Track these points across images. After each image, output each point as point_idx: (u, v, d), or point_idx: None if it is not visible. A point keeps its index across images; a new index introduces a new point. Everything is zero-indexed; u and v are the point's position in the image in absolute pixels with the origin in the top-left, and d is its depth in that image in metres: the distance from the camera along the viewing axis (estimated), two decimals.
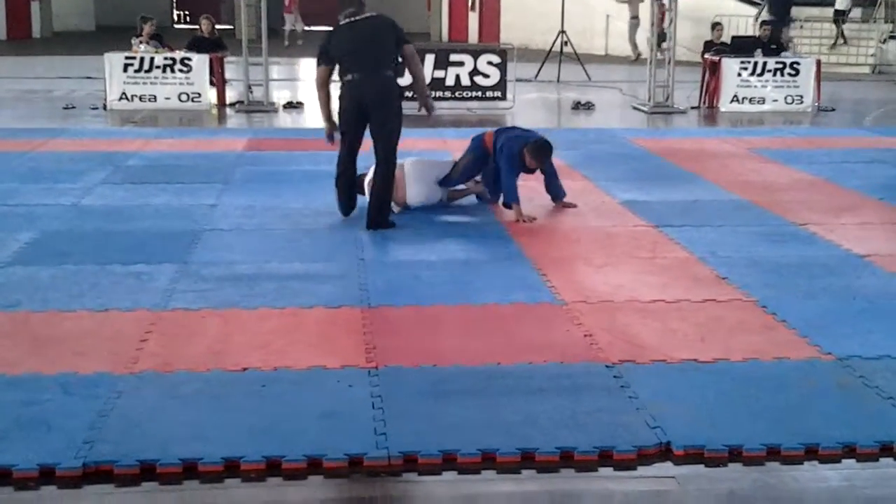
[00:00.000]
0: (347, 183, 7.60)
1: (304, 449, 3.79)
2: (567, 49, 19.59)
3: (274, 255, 6.52)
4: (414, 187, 7.74)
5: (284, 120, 13.74)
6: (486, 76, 14.60)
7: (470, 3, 31.79)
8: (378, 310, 5.45)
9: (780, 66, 14.92)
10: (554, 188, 8.03)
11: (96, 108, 14.01)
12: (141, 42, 14.37)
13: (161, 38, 14.83)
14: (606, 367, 4.65)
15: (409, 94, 8.11)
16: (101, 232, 7.12)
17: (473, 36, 31.32)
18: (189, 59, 14.19)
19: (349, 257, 6.52)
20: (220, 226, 7.31)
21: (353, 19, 7.35)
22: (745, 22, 22.42)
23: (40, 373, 4.50)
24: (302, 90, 17.09)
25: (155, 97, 14.09)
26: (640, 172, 9.64)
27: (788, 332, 5.15)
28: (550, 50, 19.57)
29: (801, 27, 21.42)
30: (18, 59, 22.54)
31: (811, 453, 3.87)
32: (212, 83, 14.42)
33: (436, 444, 3.83)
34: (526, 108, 14.79)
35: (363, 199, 7.64)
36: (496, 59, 14.73)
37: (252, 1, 15.00)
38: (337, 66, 7.48)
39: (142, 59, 14.06)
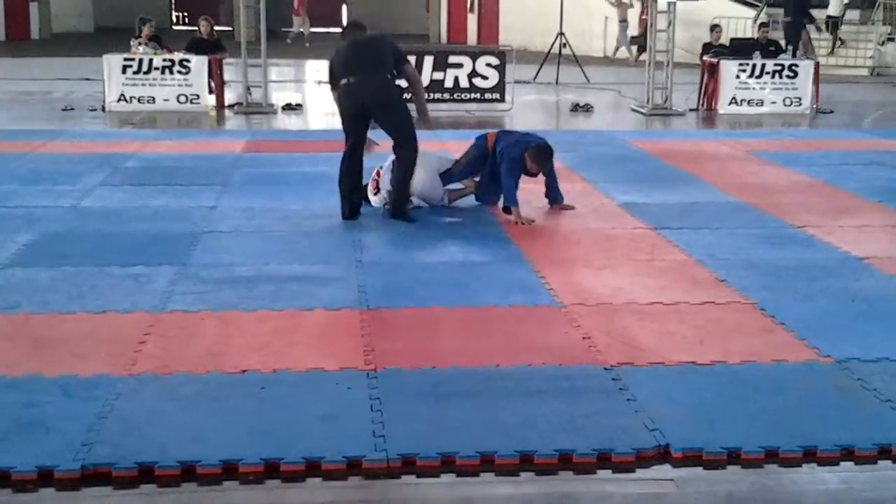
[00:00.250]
0: (350, 185, 7.62)
1: (302, 451, 3.78)
2: (566, 51, 19.61)
3: (273, 257, 6.52)
4: (417, 177, 7.71)
5: (283, 122, 13.74)
6: (485, 78, 14.61)
7: (469, 5, 31.80)
8: (377, 312, 5.45)
9: (779, 68, 14.93)
10: (552, 192, 8.03)
11: (95, 110, 14.01)
12: (140, 43, 14.37)
13: (160, 40, 14.83)
14: (605, 369, 4.66)
15: (407, 95, 8.12)
16: (99, 234, 7.12)
17: (472, 38, 31.33)
18: (188, 60, 14.19)
19: (348, 259, 6.52)
20: (218, 228, 7.31)
21: (354, 38, 7.65)
22: (744, 24, 22.46)
23: (39, 375, 4.50)
24: (302, 92, 17.11)
25: (154, 99, 14.09)
26: (638, 174, 9.64)
27: (787, 335, 5.16)
28: (549, 52, 19.58)
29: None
30: (17, 60, 22.53)
31: (809, 456, 3.87)
32: (210, 86, 14.42)
33: (434, 447, 3.83)
34: (524, 110, 14.80)
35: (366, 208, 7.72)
36: (495, 60, 14.74)
37: (251, 2, 14.98)
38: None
39: (140, 61, 14.05)
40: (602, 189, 8.86)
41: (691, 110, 15.05)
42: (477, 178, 8.11)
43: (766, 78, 14.90)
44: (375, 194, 7.86)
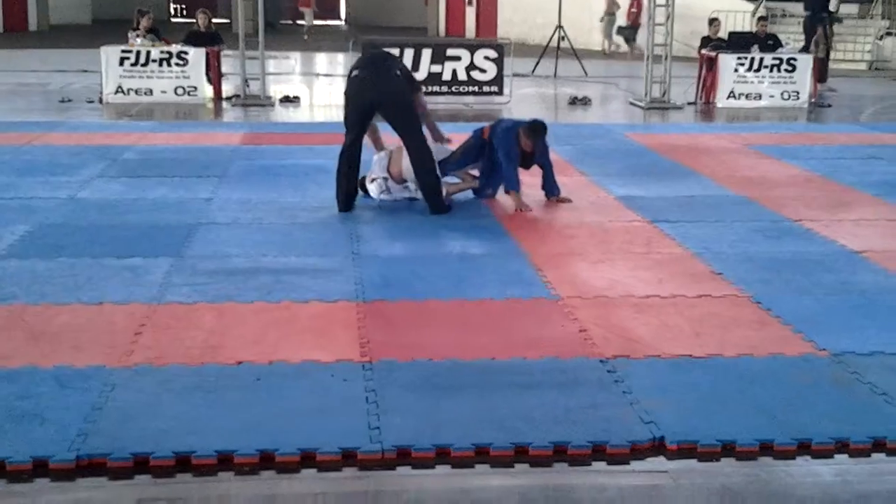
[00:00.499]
0: (348, 178, 7.63)
1: (297, 442, 3.79)
2: (564, 44, 19.60)
3: (269, 249, 6.52)
4: (405, 163, 7.70)
5: (281, 114, 13.73)
6: (483, 71, 14.60)
7: None
8: (373, 304, 5.45)
9: (777, 62, 14.92)
10: (549, 185, 8.05)
11: (92, 102, 14.00)
12: (137, 35, 14.35)
13: (158, 32, 14.82)
14: (601, 361, 4.66)
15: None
16: (96, 225, 7.11)
17: (471, 31, 31.31)
18: (185, 52, 14.18)
19: (344, 251, 6.52)
20: (215, 219, 7.31)
21: (370, 49, 7.90)
22: (743, 17, 22.45)
23: (35, 365, 4.49)
24: (306, 84, 17.11)
25: (151, 91, 14.08)
26: (635, 168, 9.65)
27: (783, 328, 5.16)
28: (547, 45, 19.57)
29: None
30: (14, 51, 22.50)
31: (804, 448, 3.87)
32: (208, 78, 14.40)
33: (429, 438, 3.84)
34: (522, 103, 14.78)
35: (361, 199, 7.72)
36: (493, 53, 14.73)
37: None
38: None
39: (138, 53, 14.04)
40: (599, 182, 8.86)
41: (689, 104, 15.04)
42: (475, 171, 8.11)
43: (764, 72, 14.90)
44: (372, 181, 7.86)
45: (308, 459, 3.72)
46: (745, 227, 7.29)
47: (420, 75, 13.49)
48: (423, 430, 3.91)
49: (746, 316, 5.36)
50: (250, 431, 3.88)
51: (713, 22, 16.38)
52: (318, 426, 3.94)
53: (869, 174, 9.43)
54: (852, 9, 23.70)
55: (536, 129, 7.83)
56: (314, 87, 17.39)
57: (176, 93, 14.11)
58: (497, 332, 5.06)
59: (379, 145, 8.02)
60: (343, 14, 42.46)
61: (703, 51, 15.55)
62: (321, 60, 22.85)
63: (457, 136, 8.35)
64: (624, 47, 25.39)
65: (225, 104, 14.25)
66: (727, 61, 14.87)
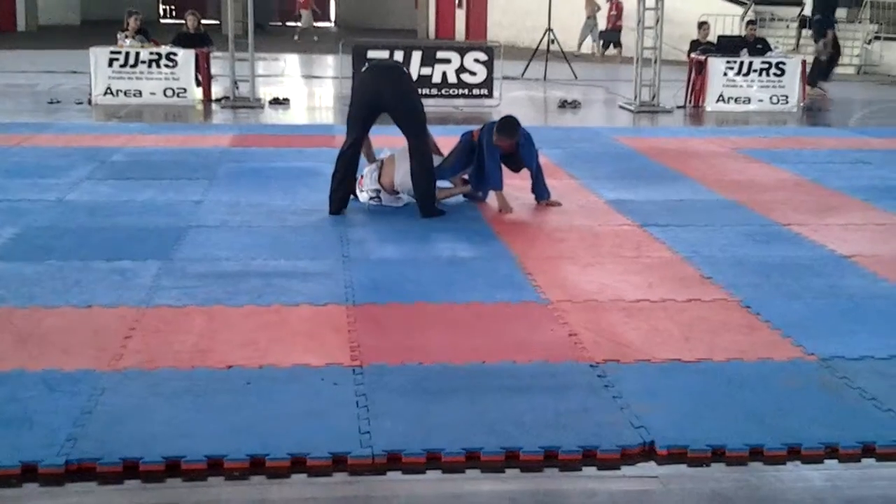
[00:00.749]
0: (344, 180, 7.62)
1: (287, 447, 3.78)
2: (554, 47, 19.63)
3: (259, 253, 6.50)
4: (403, 170, 7.69)
5: (270, 116, 13.71)
6: (473, 74, 14.61)
7: (457, 1, 31.80)
8: (363, 307, 5.45)
9: (766, 66, 14.97)
10: (538, 188, 8.07)
11: (81, 103, 13.97)
12: (126, 37, 14.32)
13: (147, 33, 14.79)
14: (591, 366, 4.66)
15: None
16: (85, 228, 7.09)
17: (460, 33, 31.34)
18: (175, 54, 14.15)
19: (334, 255, 6.51)
20: (205, 222, 7.29)
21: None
22: (732, 21, 22.51)
23: (23, 369, 4.47)
24: (288, 86, 17.09)
25: (140, 92, 14.06)
26: (625, 171, 9.66)
27: (772, 333, 5.17)
28: (537, 48, 19.60)
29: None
30: (2, 52, 22.40)
31: (794, 453, 3.88)
32: (197, 79, 14.38)
33: (420, 443, 3.83)
34: (512, 106, 14.77)
35: (351, 202, 7.73)
36: (483, 56, 14.74)
37: None
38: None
39: (127, 54, 14.01)
40: (589, 186, 8.87)
41: (679, 107, 15.08)
42: (465, 176, 8.12)
43: (753, 76, 14.94)
44: (362, 191, 7.85)
45: (298, 464, 3.71)
46: (735, 231, 7.31)
47: None
48: (414, 435, 3.90)
49: (736, 320, 5.37)
50: (240, 436, 3.87)
51: (702, 25, 16.42)
52: (309, 431, 3.93)
53: (857, 178, 9.46)
54: (841, 13, 23.75)
55: (504, 124, 7.86)
56: (304, 90, 17.37)
57: (165, 94, 14.09)
58: (487, 335, 5.06)
59: (370, 158, 8.00)
60: (333, 16, 42.49)
61: (693, 54, 15.59)
62: (311, 62, 22.83)
63: (446, 140, 8.34)
64: (597, 51, 25.54)
65: (214, 106, 14.23)
66: (716, 65, 14.91)
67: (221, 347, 4.80)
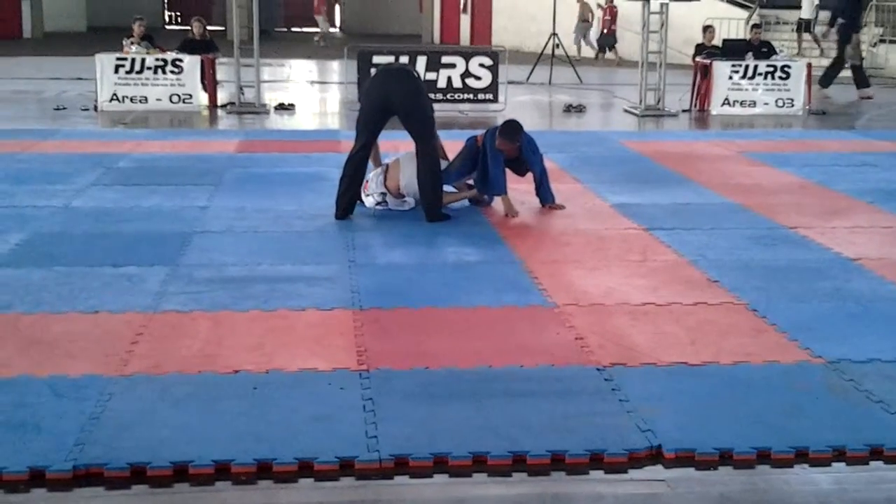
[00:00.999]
0: (352, 184, 7.62)
1: (295, 451, 3.78)
2: (559, 52, 19.63)
3: (265, 258, 6.51)
4: (409, 172, 7.69)
5: (276, 122, 13.73)
6: (478, 78, 14.62)
7: (462, 6, 31.83)
8: (369, 312, 5.45)
9: (771, 69, 14.96)
10: (543, 192, 8.07)
11: (87, 110, 14.00)
12: (132, 43, 14.35)
13: (152, 39, 14.81)
14: (597, 369, 4.66)
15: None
16: (91, 234, 7.11)
17: (465, 38, 31.37)
18: (180, 60, 14.17)
19: (340, 259, 6.51)
20: (211, 228, 7.30)
21: None
22: (737, 25, 22.50)
23: (31, 375, 4.48)
24: (294, 92, 17.11)
25: (146, 98, 14.08)
26: (631, 175, 9.66)
27: (778, 336, 5.17)
28: (542, 52, 19.60)
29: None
30: (9, 59, 22.47)
31: (801, 456, 3.87)
32: (203, 85, 14.41)
33: (427, 447, 3.83)
34: (517, 111, 14.77)
35: (357, 206, 7.73)
36: (488, 61, 14.75)
37: (244, 2, 14.97)
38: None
39: (133, 61, 14.03)
40: (595, 189, 8.87)
41: (684, 111, 15.07)
42: (469, 181, 8.12)
43: (758, 79, 14.93)
44: (367, 195, 7.86)
45: (306, 469, 3.71)
46: (741, 234, 7.30)
47: None
48: (421, 439, 3.90)
49: (742, 323, 5.37)
50: (247, 441, 3.87)
51: (707, 29, 16.41)
52: (316, 435, 3.93)
53: (863, 181, 9.45)
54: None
55: (506, 128, 7.87)
56: (309, 95, 17.39)
57: (171, 100, 14.11)
58: (493, 339, 5.06)
59: (376, 161, 8.00)
60: (338, 22, 42.53)
61: (698, 58, 15.59)
62: (316, 68, 22.85)
63: (451, 144, 8.34)
64: (591, 54, 25.58)
65: (220, 112, 14.25)
66: (721, 69, 14.90)
67: (228, 352, 4.81)
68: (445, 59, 14.72)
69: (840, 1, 17.82)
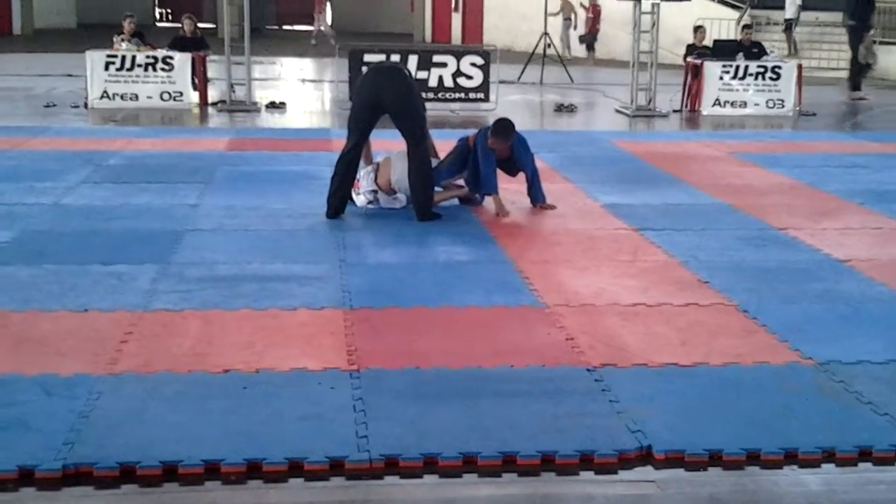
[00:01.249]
0: (344, 183, 7.61)
1: (284, 451, 3.78)
2: (550, 51, 19.63)
3: (256, 256, 6.50)
4: (400, 168, 7.67)
5: (267, 120, 13.71)
6: (470, 77, 14.61)
7: (453, 5, 31.81)
8: (360, 311, 5.44)
9: (762, 70, 14.98)
10: (535, 191, 8.07)
11: (77, 107, 13.95)
12: (123, 40, 14.30)
13: (143, 36, 14.78)
14: (588, 370, 4.66)
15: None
16: (81, 231, 7.09)
17: (457, 37, 31.34)
18: (171, 57, 14.14)
19: (331, 259, 6.50)
20: (201, 226, 7.29)
21: None
22: (728, 25, 22.53)
23: (19, 373, 4.47)
24: (284, 90, 17.09)
25: (137, 96, 14.04)
26: (621, 175, 9.67)
27: (769, 337, 5.17)
28: (533, 52, 19.60)
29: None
30: None
31: (791, 458, 3.88)
32: (194, 83, 14.37)
33: (417, 447, 3.83)
34: (509, 110, 14.75)
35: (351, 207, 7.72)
36: (479, 60, 14.74)
37: (235, 0, 14.93)
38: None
39: (123, 58, 14.00)
40: (585, 189, 8.87)
41: (675, 111, 15.09)
42: (459, 181, 8.12)
43: (749, 80, 14.95)
44: (358, 194, 7.85)
45: (296, 469, 3.71)
46: (731, 235, 7.31)
47: None
48: (411, 439, 3.90)
49: (733, 324, 5.38)
50: (237, 440, 3.87)
51: (698, 30, 16.44)
52: (306, 435, 3.93)
53: (854, 182, 9.47)
54: (836, 17, 23.78)
55: (498, 127, 7.88)
56: (300, 93, 17.35)
57: (161, 98, 14.08)
58: (484, 339, 5.06)
59: (368, 160, 7.98)
60: (330, 20, 42.44)
61: (689, 59, 15.61)
62: (308, 66, 22.82)
63: (442, 144, 8.34)
64: (579, 53, 25.61)
65: (211, 110, 14.22)
66: (712, 69, 14.92)
67: (218, 351, 4.80)
68: (437, 58, 14.71)
69: (850, 2, 17.85)
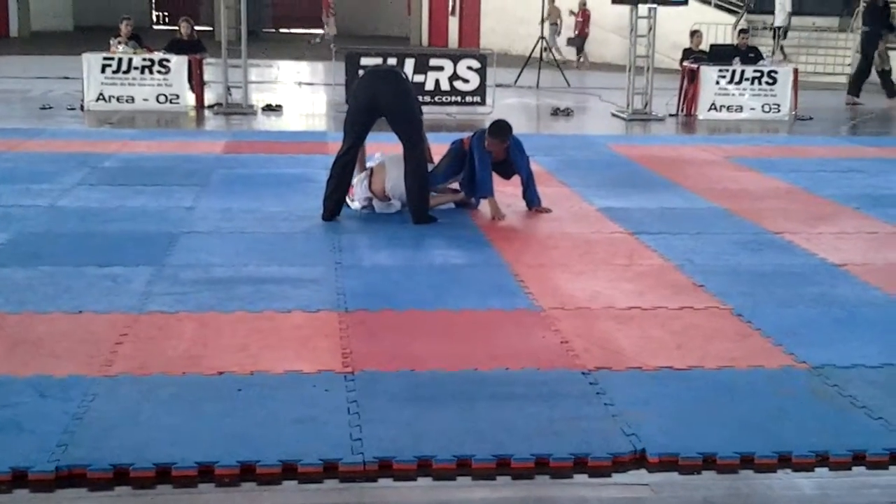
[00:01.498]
0: (339, 185, 7.60)
1: (278, 454, 3.77)
2: (547, 55, 19.65)
3: (251, 259, 6.50)
4: (394, 175, 7.68)
5: (263, 122, 13.71)
6: (466, 81, 14.62)
7: (450, 8, 31.83)
8: (355, 314, 5.44)
9: (758, 74, 15.01)
10: (530, 195, 8.08)
11: (74, 109, 13.94)
12: (119, 42, 14.30)
13: (140, 39, 14.77)
14: (582, 373, 4.66)
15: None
16: (77, 234, 7.08)
17: (454, 41, 31.36)
18: (167, 60, 14.14)
19: (327, 261, 6.50)
20: (197, 228, 7.29)
21: None
22: (724, 30, 22.57)
23: (14, 375, 4.46)
24: (281, 93, 17.09)
25: (133, 98, 14.03)
26: (618, 179, 9.67)
27: (763, 340, 5.18)
28: (530, 56, 19.62)
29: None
30: None
31: (784, 461, 3.89)
32: (190, 86, 14.37)
33: (411, 450, 3.83)
34: (505, 114, 14.65)
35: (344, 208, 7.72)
36: (476, 64, 14.76)
37: (232, 3, 14.93)
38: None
39: (120, 60, 13.99)
40: (581, 193, 8.88)
41: (671, 115, 15.11)
42: (454, 185, 8.13)
43: (745, 84, 14.98)
44: (353, 200, 7.85)
45: (289, 471, 3.71)
46: (727, 239, 7.32)
47: None
48: (405, 442, 3.90)
49: (727, 328, 5.38)
50: (231, 442, 3.86)
51: (695, 34, 16.46)
52: (300, 437, 3.93)
53: (849, 187, 9.49)
54: (832, 22, 23.86)
55: (496, 128, 7.90)
56: (297, 96, 17.36)
57: (158, 101, 14.07)
58: (479, 342, 5.06)
59: (362, 166, 7.97)
60: (325, 24, 42.45)
61: (685, 63, 15.63)
62: (304, 69, 22.83)
63: (438, 147, 8.34)
64: (567, 56, 25.59)
65: (207, 112, 14.22)
66: (709, 74, 14.95)
67: (213, 354, 4.80)
68: (433, 62, 14.72)
69: (864, 9, 17.87)
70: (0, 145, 10.61)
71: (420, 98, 13.88)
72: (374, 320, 5.38)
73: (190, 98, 14.38)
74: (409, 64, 14.33)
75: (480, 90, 14.67)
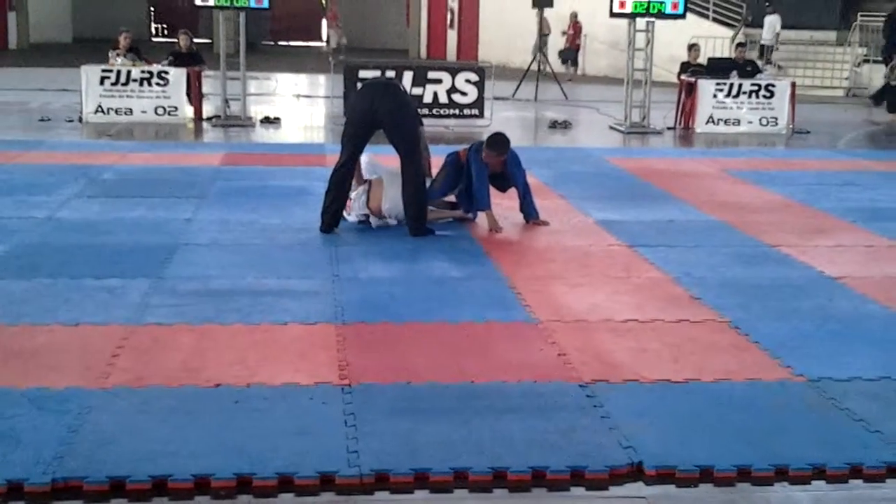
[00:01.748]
0: (337, 197, 7.60)
1: (275, 466, 3.77)
2: (544, 68, 19.69)
3: (249, 271, 6.50)
4: (390, 196, 7.69)
5: (261, 135, 13.72)
6: (464, 94, 14.66)
7: (449, 21, 31.91)
8: (353, 326, 5.44)
9: (756, 88, 15.05)
10: (527, 207, 8.08)
11: (72, 121, 13.96)
12: (118, 55, 14.32)
13: (138, 51, 14.79)
14: (580, 386, 4.66)
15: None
16: (74, 245, 7.08)
17: (452, 54, 31.43)
18: (166, 72, 14.16)
19: (324, 274, 6.51)
20: (195, 240, 7.29)
21: None
22: (722, 43, 22.63)
23: (10, 387, 4.46)
24: (279, 105, 17.10)
25: (131, 110, 14.05)
26: (615, 192, 9.69)
27: (760, 354, 5.18)
28: (528, 69, 19.66)
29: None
30: None
31: (781, 474, 3.88)
32: (189, 98, 14.39)
33: (408, 463, 3.83)
34: (503, 127, 14.68)
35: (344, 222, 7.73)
36: (474, 77, 14.80)
37: (231, 15, 14.96)
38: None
39: (118, 73, 14.02)
40: (579, 206, 8.89)
41: (669, 129, 15.13)
42: (450, 199, 8.14)
43: (743, 98, 15.02)
44: (350, 214, 7.85)
45: (286, 484, 3.70)
46: (724, 252, 7.33)
47: None
48: (402, 455, 3.90)
49: (725, 341, 5.38)
50: (228, 455, 3.86)
51: (692, 48, 16.50)
52: (297, 450, 3.92)
53: (846, 200, 9.50)
54: (830, 35, 23.92)
55: (494, 140, 7.91)
56: (295, 109, 17.38)
57: (156, 113, 14.10)
58: (476, 355, 5.06)
59: (359, 180, 7.95)
60: (325, 36, 42.56)
61: (683, 76, 15.67)
62: (302, 81, 22.86)
63: (436, 160, 8.34)
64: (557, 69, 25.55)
65: (205, 125, 14.24)
66: (706, 87, 14.99)
67: (210, 366, 4.79)
68: (432, 75, 14.76)
69: (885, 25, 17.93)
70: None
71: (418, 111, 13.99)
72: (372, 333, 5.38)
73: (188, 110, 14.40)
74: (408, 76, 14.37)
75: (478, 103, 14.71)
